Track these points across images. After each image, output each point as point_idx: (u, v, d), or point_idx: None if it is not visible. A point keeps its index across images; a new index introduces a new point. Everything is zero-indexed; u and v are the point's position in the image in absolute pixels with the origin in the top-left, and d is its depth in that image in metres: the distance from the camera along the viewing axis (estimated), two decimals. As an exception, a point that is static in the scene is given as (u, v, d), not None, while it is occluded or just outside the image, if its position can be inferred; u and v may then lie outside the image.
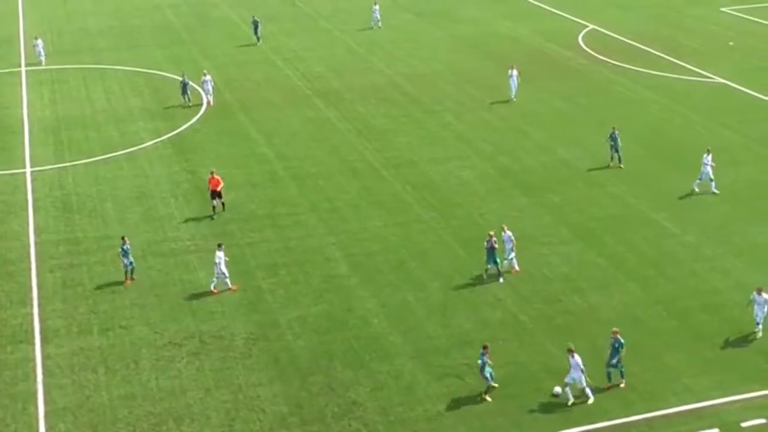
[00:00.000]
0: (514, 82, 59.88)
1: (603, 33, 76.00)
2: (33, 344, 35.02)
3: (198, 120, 58.00)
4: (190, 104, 59.33)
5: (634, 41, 73.19)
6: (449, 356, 33.79)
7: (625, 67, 67.09)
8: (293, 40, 75.83)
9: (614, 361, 31.77)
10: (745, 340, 34.53)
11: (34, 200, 46.99)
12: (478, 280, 38.84)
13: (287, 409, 31.17)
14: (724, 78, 64.24)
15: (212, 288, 38.16)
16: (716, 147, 52.18)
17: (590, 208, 45.33)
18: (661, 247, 41.47)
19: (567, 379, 31.05)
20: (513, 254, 39.50)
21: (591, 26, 77.89)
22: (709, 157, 46.10)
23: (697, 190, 46.23)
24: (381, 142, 53.92)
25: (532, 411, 30.86)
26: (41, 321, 36.52)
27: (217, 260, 37.89)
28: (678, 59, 68.55)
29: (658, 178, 48.54)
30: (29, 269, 40.42)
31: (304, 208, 45.71)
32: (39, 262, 41.02)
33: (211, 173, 44.56)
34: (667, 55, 69.81)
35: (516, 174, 49.32)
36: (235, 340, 35.00)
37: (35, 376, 33.08)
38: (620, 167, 49.43)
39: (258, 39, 73.83)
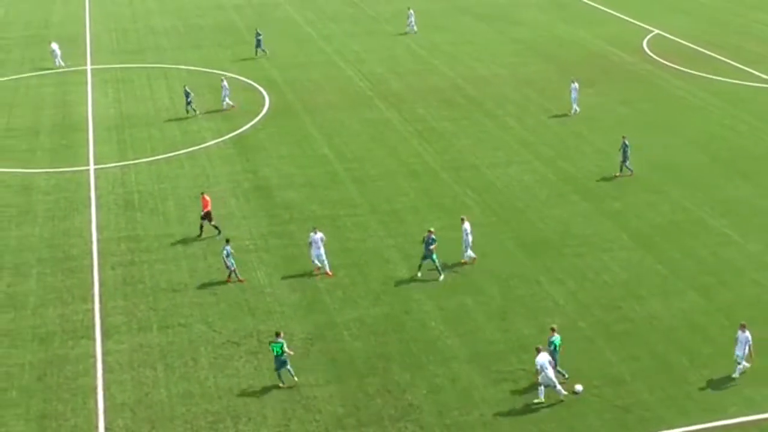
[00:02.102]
0: (575, 95, 58.59)
1: (668, 38, 75.09)
2: (94, 340, 35.58)
3: (260, 120, 58.47)
4: (196, 114, 58.93)
5: (699, 46, 72.24)
6: (507, 361, 33.67)
7: (690, 73, 66.25)
8: (355, 42, 76.07)
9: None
10: (809, 351, 33.94)
11: (97, 197, 47.75)
12: (538, 286, 38.64)
13: (343, 410, 31.30)
14: (791, 84, 63.24)
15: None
16: (782, 155, 51.49)
17: (650, 214, 44.86)
18: (721, 255, 40.91)
19: (541, 379, 31.05)
20: (469, 246, 40.29)
21: (656, 31, 77.00)
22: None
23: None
24: (441, 145, 53.88)
25: (587, 418, 30.63)
26: (102, 317, 37.09)
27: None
28: (744, 65, 67.53)
29: (720, 185, 47.89)
30: (91, 266, 41.08)
31: (364, 209, 45.84)
32: (101, 259, 41.66)
33: (202, 194, 43.50)
34: (732, 60, 68.81)
35: (576, 179, 48.97)
36: (292, 339, 35.21)
37: (95, 372, 33.60)
38: (630, 175, 48.99)
39: (257, 52, 71.76)
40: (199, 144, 54.61)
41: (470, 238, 40.35)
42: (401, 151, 52.94)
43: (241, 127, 57.28)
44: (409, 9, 79.40)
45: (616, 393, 31.71)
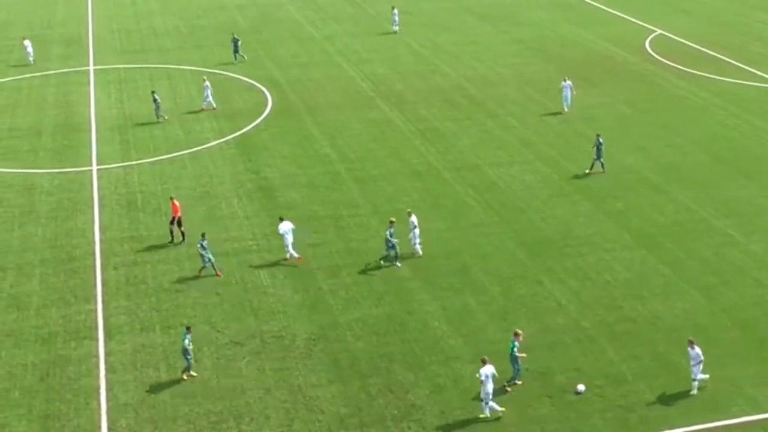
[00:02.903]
0: (567, 94, 58.66)
1: (670, 38, 75.07)
2: (96, 340, 35.64)
3: (262, 120, 58.53)
4: (165, 119, 58.48)
5: (702, 47, 72.20)
6: (509, 361, 33.66)
7: (693, 73, 66.24)
8: (357, 42, 76.11)
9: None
10: (812, 351, 33.99)
11: (100, 198, 47.81)
12: (540, 285, 38.67)
13: (346, 411, 31.34)
14: (793, 84, 63.28)
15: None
16: (784, 154, 51.52)
17: (653, 215, 44.87)
18: (724, 255, 40.91)
19: (483, 395, 30.56)
20: (417, 240, 40.96)
21: (659, 31, 76.99)
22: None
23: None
24: (443, 145, 53.91)
25: (590, 418, 30.66)
26: (105, 318, 37.16)
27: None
28: (747, 65, 67.52)
29: (723, 186, 47.88)
30: (94, 266, 41.14)
31: (366, 209, 45.90)
32: (103, 259, 41.73)
33: (171, 199, 43.38)
34: (735, 60, 68.81)
35: (579, 179, 48.98)
36: (295, 340, 35.27)
37: (98, 372, 33.66)
38: (602, 172, 49.20)
39: (236, 57, 70.88)
40: (202, 144, 54.67)
41: (417, 231, 40.85)
42: (403, 152, 52.98)
43: (244, 127, 57.34)
44: (393, 8, 79.56)
45: (618, 393, 31.73)
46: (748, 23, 79.39)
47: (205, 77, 61.73)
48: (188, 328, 33.22)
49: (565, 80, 58.92)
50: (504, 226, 44.01)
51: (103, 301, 38.29)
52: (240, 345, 35.06)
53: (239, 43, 71.20)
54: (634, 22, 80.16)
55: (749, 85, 63.44)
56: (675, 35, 75.72)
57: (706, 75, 65.70)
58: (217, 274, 39.70)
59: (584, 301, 37.55)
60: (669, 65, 68.20)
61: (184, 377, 33.04)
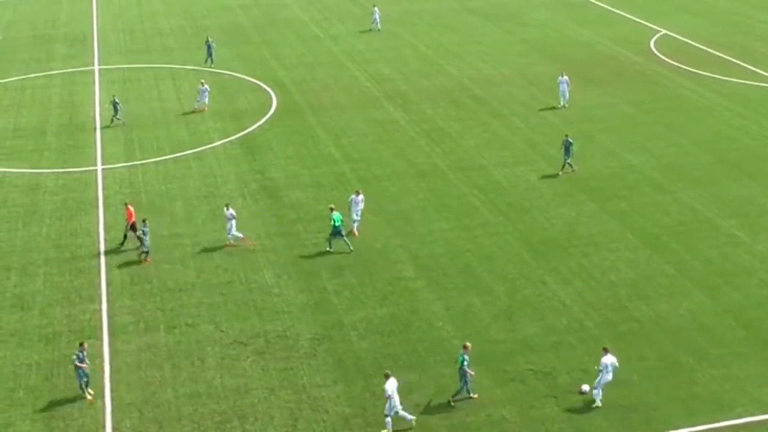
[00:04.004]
0: (564, 89, 59.09)
1: (675, 38, 75.01)
2: (101, 340, 35.67)
3: (267, 120, 58.56)
4: (123, 123, 57.81)
5: (707, 47, 72.11)
6: (513, 361, 33.70)
7: (698, 73, 66.18)
8: (361, 42, 76.15)
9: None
10: (817, 352, 33.96)
11: (105, 198, 47.87)
12: (544, 286, 38.66)
13: (350, 411, 31.35)
14: (798, 84, 63.24)
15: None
16: (789, 155, 51.51)
17: (657, 215, 44.84)
18: (729, 256, 40.88)
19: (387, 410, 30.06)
20: (358, 218, 42.39)
21: (663, 31, 76.94)
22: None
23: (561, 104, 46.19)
24: (448, 145, 53.91)
25: (594, 418, 30.66)
26: (109, 317, 37.19)
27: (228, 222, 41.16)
28: (752, 65, 67.46)
29: (728, 186, 47.84)
30: (98, 266, 41.18)
31: (371, 209, 45.86)
32: (108, 259, 41.77)
33: (126, 204, 43.07)
34: (740, 61, 68.75)
35: (583, 179, 48.96)
36: (299, 340, 35.29)
37: (103, 372, 33.68)
38: (572, 172, 49.46)
39: (207, 61, 70.02)
40: (207, 144, 54.71)
41: (360, 208, 42.81)
42: (408, 152, 52.97)
43: (249, 127, 57.38)
44: (374, 6, 79.68)
45: (622, 393, 31.70)
46: (751, 23, 79.33)
47: (203, 80, 61.49)
48: (81, 344, 32.40)
49: (562, 75, 59.12)
50: (508, 226, 44.00)
51: (108, 301, 38.33)
52: (244, 345, 35.09)
53: (213, 46, 70.45)
54: (639, 23, 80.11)
55: (754, 85, 63.38)
56: (680, 35, 75.66)
57: (711, 75, 65.64)
58: (146, 260, 40.79)
59: (588, 301, 37.53)
60: (674, 65, 68.15)
61: (86, 396, 32.12)
